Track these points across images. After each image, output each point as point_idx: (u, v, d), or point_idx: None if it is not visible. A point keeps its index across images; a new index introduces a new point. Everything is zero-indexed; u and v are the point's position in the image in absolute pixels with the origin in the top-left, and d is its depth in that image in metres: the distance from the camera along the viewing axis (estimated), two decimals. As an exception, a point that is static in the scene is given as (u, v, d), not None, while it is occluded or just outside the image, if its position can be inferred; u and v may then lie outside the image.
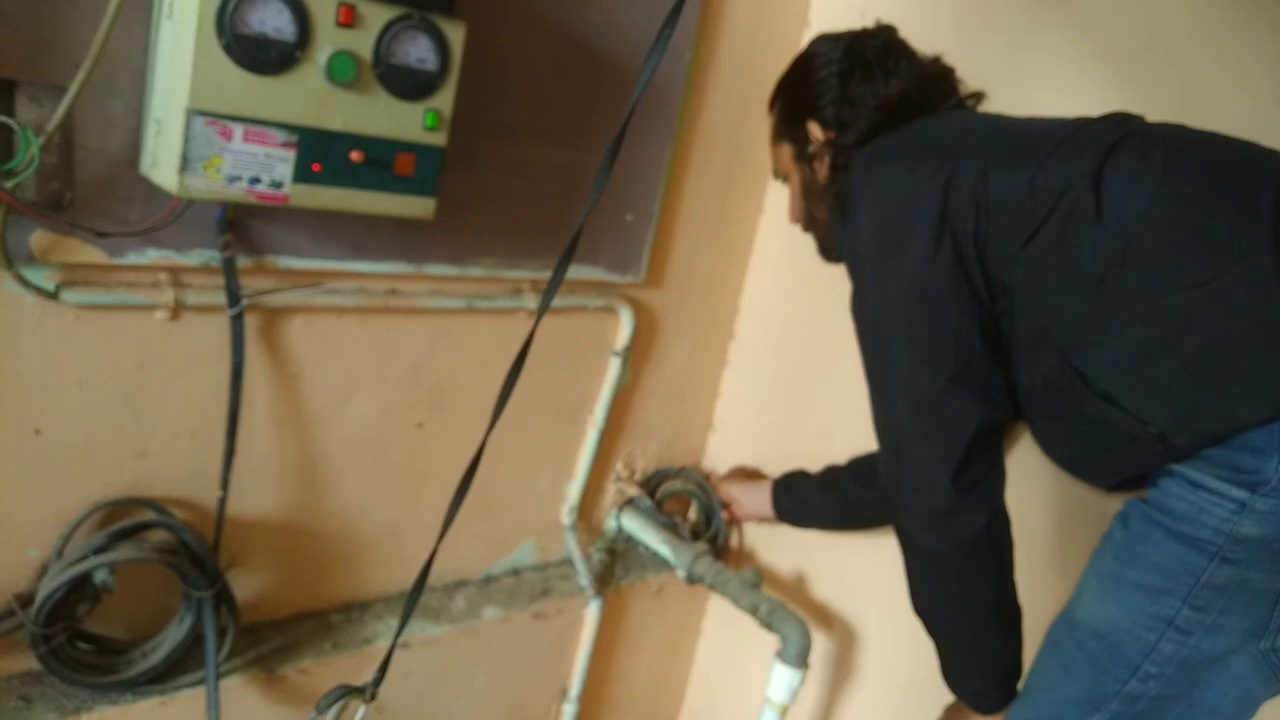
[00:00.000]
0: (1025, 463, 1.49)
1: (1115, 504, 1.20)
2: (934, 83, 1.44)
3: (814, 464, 1.86)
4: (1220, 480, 1.05)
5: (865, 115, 1.40)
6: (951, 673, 1.38)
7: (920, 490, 1.26)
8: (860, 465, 1.74)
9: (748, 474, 2.06)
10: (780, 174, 1.58)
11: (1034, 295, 1.18)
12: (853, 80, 1.41)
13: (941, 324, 1.22)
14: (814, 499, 1.82)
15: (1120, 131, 1.18)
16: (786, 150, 1.52)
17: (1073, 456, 1.26)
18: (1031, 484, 1.56)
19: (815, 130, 1.45)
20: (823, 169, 1.46)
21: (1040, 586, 1.43)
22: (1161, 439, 1.09)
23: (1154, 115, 1.25)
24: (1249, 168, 1.12)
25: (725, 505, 2.05)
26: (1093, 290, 1.12)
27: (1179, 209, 1.09)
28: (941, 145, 1.29)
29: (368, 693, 1.01)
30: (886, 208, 1.27)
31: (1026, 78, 1.59)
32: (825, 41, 1.48)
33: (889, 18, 1.68)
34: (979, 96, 1.48)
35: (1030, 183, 1.17)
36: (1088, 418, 1.16)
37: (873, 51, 1.43)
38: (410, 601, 1.00)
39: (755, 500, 1.94)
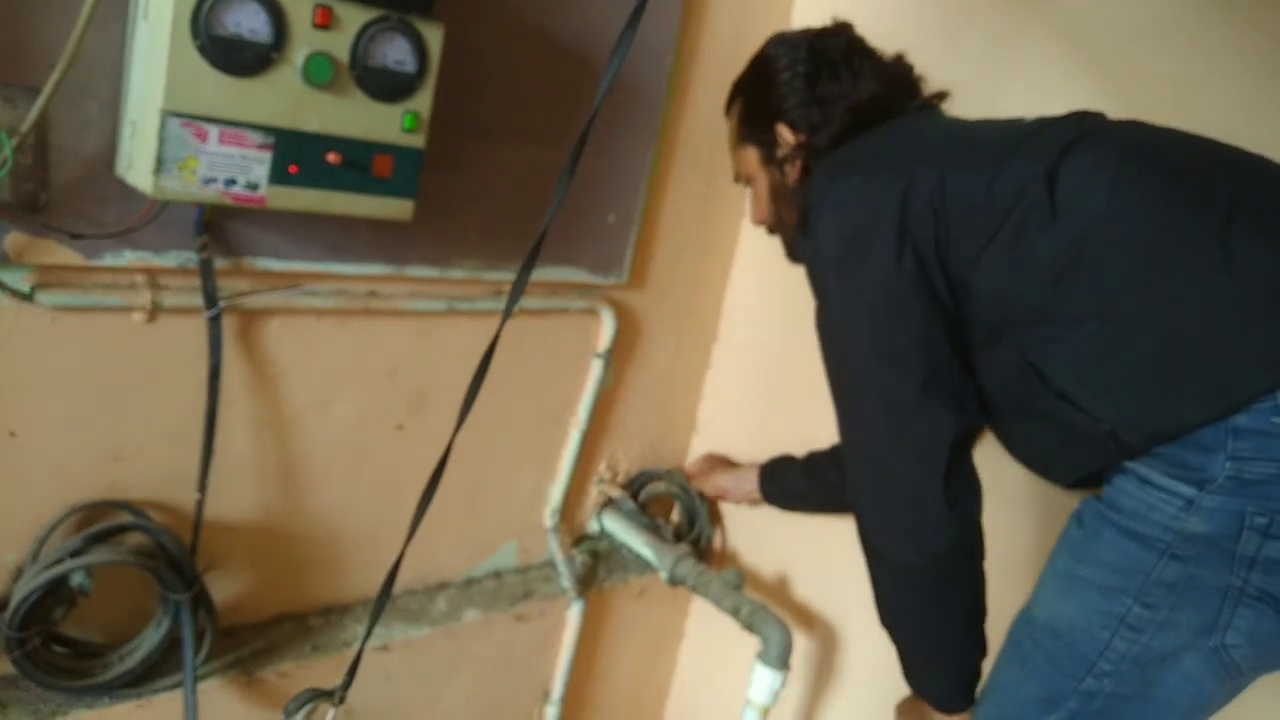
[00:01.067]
0: (998, 458, 1.49)
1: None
2: (899, 82, 1.44)
3: (796, 465, 1.86)
4: (1169, 477, 1.06)
5: (837, 116, 1.39)
6: (918, 678, 1.38)
7: (904, 505, 1.25)
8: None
9: (721, 462, 2.07)
10: (743, 177, 1.57)
11: (992, 297, 1.19)
12: (820, 81, 1.40)
13: (909, 333, 1.22)
14: (798, 485, 1.84)
15: (1077, 131, 1.19)
16: (752, 154, 1.51)
17: (1031, 454, 1.26)
18: (1005, 481, 1.57)
19: (785, 133, 1.43)
20: (793, 172, 1.45)
21: (1016, 586, 1.44)
22: (1113, 436, 1.10)
23: (1134, 116, 1.26)
24: (1205, 165, 1.13)
25: (718, 498, 2.05)
26: (1049, 290, 1.12)
27: (1133, 208, 1.10)
28: (898, 154, 1.29)
29: (336, 696, 1.01)
30: (846, 221, 1.27)
31: (1007, 79, 1.60)
32: (784, 43, 1.47)
33: (870, 20, 1.69)
34: (943, 95, 1.47)
35: (988, 188, 1.17)
36: (1044, 415, 1.16)
37: (837, 51, 1.42)
38: (378, 605, 1.00)
39: (745, 488, 1.96)
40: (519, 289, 0.93)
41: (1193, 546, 1.05)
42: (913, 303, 1.21)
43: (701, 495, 2.08)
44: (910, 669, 1.38)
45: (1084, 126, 1.20)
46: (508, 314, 0.95)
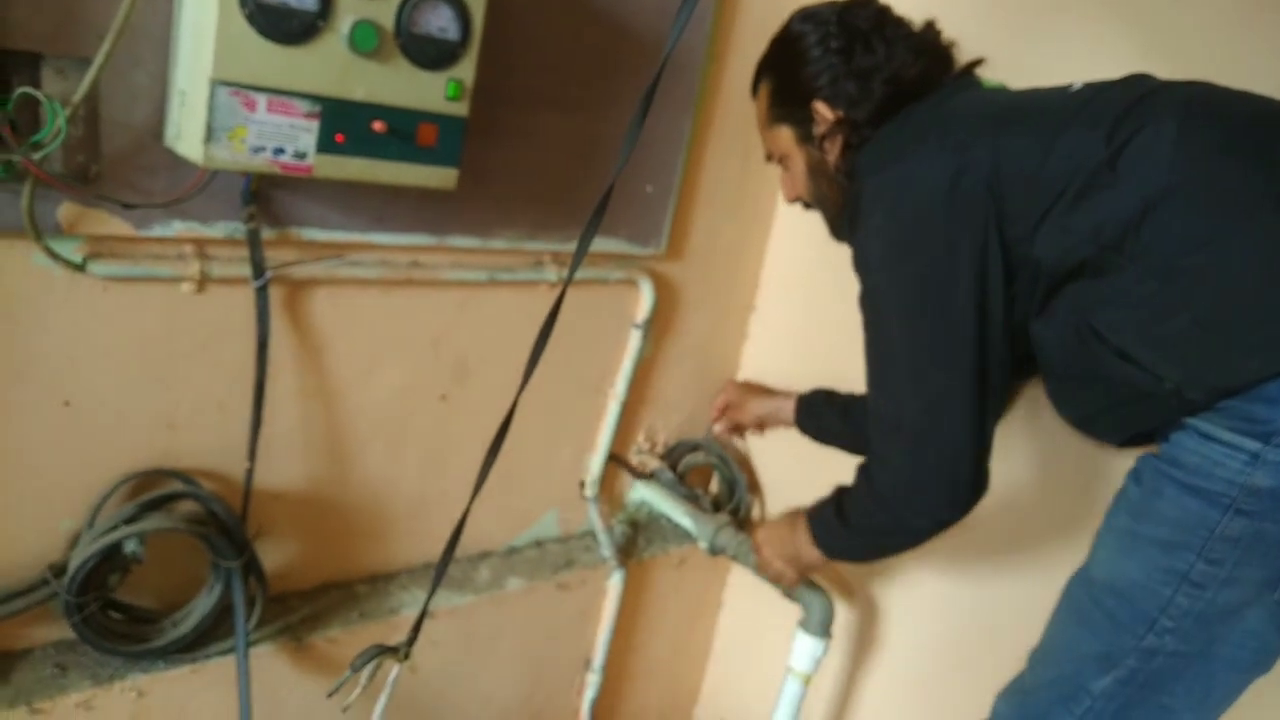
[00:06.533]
0: (1046, 420, 1.49)
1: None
2: (932, 50, 1.41)
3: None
4: (1233, 432, 1.05)
5: (875, 89, 1.37)
6: (832, 554, 1.50)
7: (938, 488, 1.28)
8: None
9: (754, 389, 2.04)
10: (776, 157, 1.54)
11: (1051, 265, 1.19)
12: (854, 54, 1.38)
13: (962, 322, 1.22)
14: (834, 425, 1.82)
15: (1132, 94, 1.17)
16: (786, 133, 1.48)
17: (1086, 414, 1.26)
18: (1052, 440, 1.56)
19: (823, 110, 1.40)
20: (833, 148, 1.42)
21: (1068, 546, 1.43)
22: (1177, 394, 1.09)
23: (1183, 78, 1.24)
24: (1265, 122, 1.12)
25: (757, 426, 2.02)
26: (1111, 254, 1.12)
27: (1194, 169, 1.09)
28: (946, 136, 1.27)
29: (401, 652, 1.02)
30: (899, 213, 1.27)
31: (1052, 43, 1.57)
32: (810, 19, 1.43)
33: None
34: (978, 62, 1.44)
35: (1044, 161, 1.17)
36: (1103, 376, 1.16)
37: (866, 22, 1.39)
38: (441, 564, 1.01)
39: (782, 418, 1.93)
40: (580, 256, 0.94)
41: (1258, 501, 1.04)
42: (970, 292, 1.21)
43: (738, 428, 2.05)
44: (835, 554, 1.51)
45: (1139, 90, 1.19)
46: (568, 281, 0.95)
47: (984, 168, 1.20)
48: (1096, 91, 1.22)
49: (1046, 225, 1.17)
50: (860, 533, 1.43)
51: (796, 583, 1.68)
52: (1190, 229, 1.07)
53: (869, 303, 1.33)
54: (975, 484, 1.29)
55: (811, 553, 1.51)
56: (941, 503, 1.30)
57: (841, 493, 1.46)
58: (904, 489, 1.32)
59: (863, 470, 1.40)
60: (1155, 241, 1.09)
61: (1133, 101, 1.16)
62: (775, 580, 1.68)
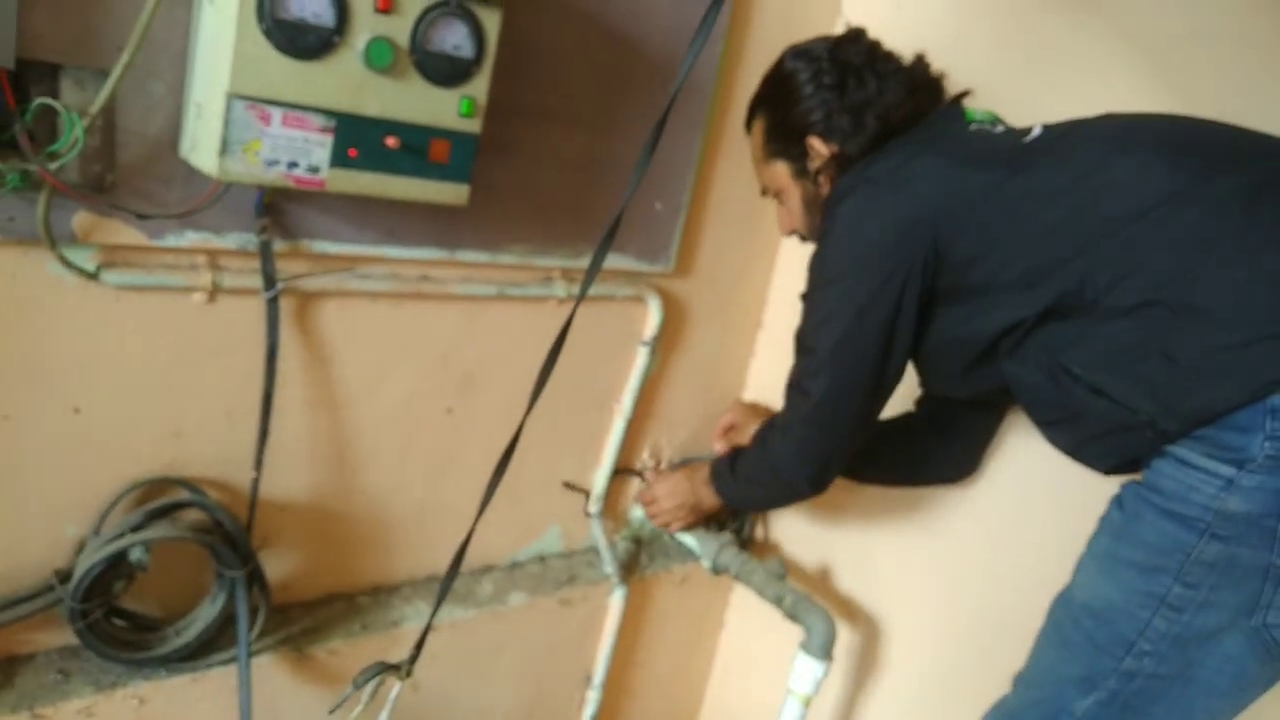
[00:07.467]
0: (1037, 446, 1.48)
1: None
2: (923, 84, 1.44)
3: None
4: (1208, 458, 1.07)
5: (868, 124, 1.40)
6: (731, 501, 1.74)
7: (824, 461, 1.49)
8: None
9: (762, 411, 2.04)
10: (771, 191, 1.58)
11: (1017, 304, 1.22)
12: (848, 89, 1.41)
13: (886, 340, 1.35)
14: None
15: (1098, 132, 1.21)
16: (781, 168, 1.51)
17: (1069, 444, 1.28)
18: (1043, 468, 1.55)
19: (818, 145, 1.44)
20: (827, 183, 1.46)
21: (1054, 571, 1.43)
22: (1152, 425, 1.11)
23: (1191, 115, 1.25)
24: (1230, 152, 1.14)
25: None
26: (1078, 291, 1.15)
27: (1161, 203, 1.11)
28: (916, 170, 1.31)
29: (403, 670, 1.02)
30: (854, 233, 1.35)
31: (1061, 77, 1.58)
32: (802, 55, 1.47)
33: (922, 16, 1.68)
34: (965, 94, 1.47)
35: (1005, 204, 1.23)
36: (1080, 411, 1.18)
37: (858, 58, 1.42)
38: (447, 579, 1.02)
39: None
40: (593, 273, 0.95)
41: (1233, 526, 1.05)
42: (886, 322, 1.33)
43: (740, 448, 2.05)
44: (729, 500, 1.75)
45: (1104, 128, 1.23)
46: (579, 300, 0.96)
47: (938, 208, 1.27)
48: (1062, 133, 1.27)
49: (1009, 267, 1.22)
50: (745, 483, 1.65)
51: (684, 525, 1.86)
52: (1157, 266, 1.10)
53: (810, 302, 1.43)
54: (836, 471, 1.51)
55: (710, 497, 1.74)
56: (824, 477, 1.51)
57: (738, 452, 1.69)
58: (800, 463, 1.50)
59: (761, 438, 1.58)
60: (1122, 278, 1.12)
61: (1097, 140, 1.20)
62: (662, 525, 1.87)
